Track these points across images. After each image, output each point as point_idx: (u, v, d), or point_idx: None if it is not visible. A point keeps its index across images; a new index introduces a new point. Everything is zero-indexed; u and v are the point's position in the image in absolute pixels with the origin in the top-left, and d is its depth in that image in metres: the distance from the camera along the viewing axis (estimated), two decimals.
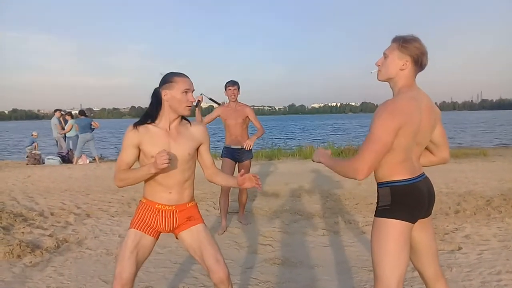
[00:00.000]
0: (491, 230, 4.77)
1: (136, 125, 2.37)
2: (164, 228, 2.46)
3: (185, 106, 2.37)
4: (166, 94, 2.35)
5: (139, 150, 2.38)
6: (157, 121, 2.40)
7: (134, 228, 2.40)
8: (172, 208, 2.44)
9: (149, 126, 2.39)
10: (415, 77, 2.07)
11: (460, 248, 4.23)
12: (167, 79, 2.38)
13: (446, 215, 5.48)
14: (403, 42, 2.02)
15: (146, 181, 2.43)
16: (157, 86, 2.42)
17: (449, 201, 6.22)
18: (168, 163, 2.17)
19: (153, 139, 2.36)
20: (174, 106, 2.36)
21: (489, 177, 8.23)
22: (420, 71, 2.07)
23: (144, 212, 2.44)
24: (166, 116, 2.40)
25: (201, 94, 4.92)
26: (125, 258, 2.29)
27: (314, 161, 2.29)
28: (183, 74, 2.41)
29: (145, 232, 2.39)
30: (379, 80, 2.13)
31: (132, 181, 2.35)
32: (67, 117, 13.58)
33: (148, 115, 2.41)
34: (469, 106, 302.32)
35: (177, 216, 2.46)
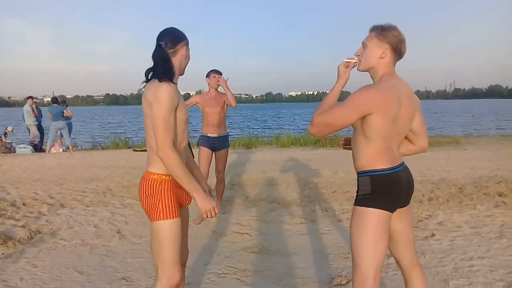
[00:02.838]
0: (463, 217, 4.89)
1: (166, 80, 2.03)
2: (188, 201, 2.26)
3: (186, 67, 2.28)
4: (186, 51, 2.19)
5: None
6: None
7: (171, 218, 2.07)
8: None
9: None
10: (395, 65, 2.08)
11: (433, 235, 4.32)
12: (183, 34, 2.19)
13: (420, 203, 5.59)
14: (381, 31, 2.03)
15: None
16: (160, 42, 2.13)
17: (423, 188, 6.34)
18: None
19: (182, 97, 2.14)
20: (185, 65, 2.24)
21: (462, 165, 8.43)
22: (399, 59, 2.08)
23: (172, 192, 2.11)
24: (176, 75, 2.18)
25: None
26: (176, 248, 2.09)
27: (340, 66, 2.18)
28: None
29: (179, 216, 2.13)
30: (360, 71, 2.14)
31: (177, 174, 2.00)
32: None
33: (171, 74, 2.09)
34: (442, 95, 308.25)
35: None
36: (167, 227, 2.06)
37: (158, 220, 2.06)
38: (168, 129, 1.97)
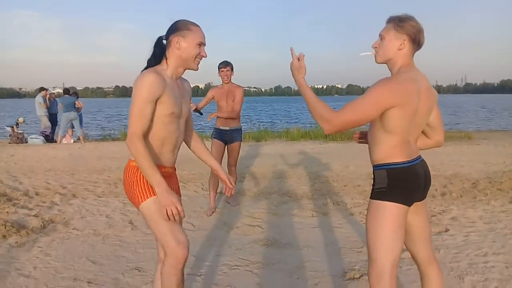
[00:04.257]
0: (477, 213, 4.83)
1: (156, 71, 2.03)
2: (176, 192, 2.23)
3: (197, 60, 2.14)
4: (179, 42, 2.07)
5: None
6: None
7: (150, 197, 2.05)
8: (171, 170, 2.25)
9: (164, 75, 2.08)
10: (413, 56, 2.03)
11: (447, 230, 4.27)
12: (182, 26, 2.09)
13: (433, 197, 5.54)
14: (399, 22, 1.98)
15: (151, 140, 2.09)
16: (163, 34, 2.15)
17: (436, 183, 6.28)
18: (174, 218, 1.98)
19: (172, 92, 2.07)
20: (185, 57, 2.10)
21: (475, 160, 8.34)
22: (418, 49, 2.03)
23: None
24: (173, 68, 2.12)
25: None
26: (177, 227, 2.06)
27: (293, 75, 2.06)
28: (198, 24, 2.14)
29: (156, 194, 2.09)
30: (378, 63, 2.09)
31: (139, 164, 1.98)
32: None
33: (154, 60, 2.13)
34: (453, 89, 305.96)
35: (175, 179, 2.30)
36: (150, 205, 2.03)
37: (139, 203, 2.05)
38: (140, 118, 1.97)
